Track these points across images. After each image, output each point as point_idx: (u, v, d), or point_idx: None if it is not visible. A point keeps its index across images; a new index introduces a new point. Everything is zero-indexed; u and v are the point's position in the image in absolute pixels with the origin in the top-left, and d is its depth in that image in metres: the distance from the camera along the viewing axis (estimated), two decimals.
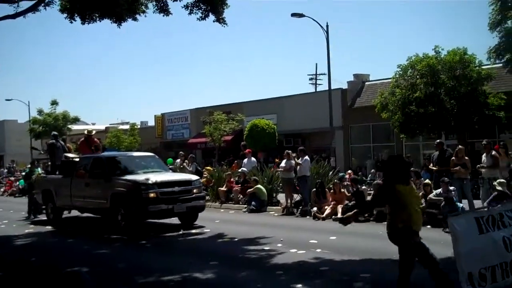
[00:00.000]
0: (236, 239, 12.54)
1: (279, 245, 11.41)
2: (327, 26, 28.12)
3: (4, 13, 21.11)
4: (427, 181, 15.03)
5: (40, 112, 48.39)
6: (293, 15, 27.39)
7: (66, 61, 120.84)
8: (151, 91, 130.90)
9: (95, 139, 19.08)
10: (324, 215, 15.36)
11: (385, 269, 8.72)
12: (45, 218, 17.66)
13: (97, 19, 15.49)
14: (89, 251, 11.91)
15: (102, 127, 51.56)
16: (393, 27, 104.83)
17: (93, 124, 61.45)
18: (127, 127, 47.45)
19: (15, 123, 62.02)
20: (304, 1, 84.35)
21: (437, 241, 11.07)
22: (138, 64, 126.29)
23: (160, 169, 15.87)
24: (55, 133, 20.73)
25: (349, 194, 15.93)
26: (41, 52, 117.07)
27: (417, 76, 23.12)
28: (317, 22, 27.98)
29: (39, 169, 23.16)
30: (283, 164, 17.71)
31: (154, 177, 14.20)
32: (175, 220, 15.08)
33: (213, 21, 15.69)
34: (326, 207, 15.73)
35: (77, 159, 17.15)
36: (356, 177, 18.70)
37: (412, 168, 20.69)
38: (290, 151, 18.19)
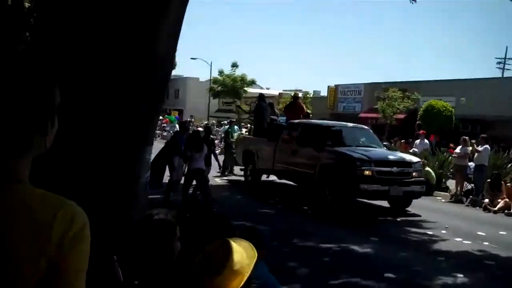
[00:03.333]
0: (398, 219, 12.33)
1: (444, 231, 11.02)
2: None
3: None
4: None
5: (220, 72, 50.72)
6: None
7: (249, 26, 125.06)
8: (327, 61, 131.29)
9: (301, 104, 18.15)
10: (496, 208, 14.45)
11: None
12: (242, 179, 17.24)
13: None
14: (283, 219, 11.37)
15: (276, 93, 52.81)
16: None
17: (268, 88, 63.04)
18: (300, 95, 48.17)
19: (196, 81, 65.17)
20: None
21: None
22: (316, 35, 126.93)
23: (374, 145, 14.61)
24: (262, 93, 19.42)
25: None
26: (227, 15, 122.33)
27: None
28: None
29: (236, 127, 22.78)
30: (458, 150, 16.95)
31: (371, 153, 13.12)
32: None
33: None
34: (499, 200, 14.80)
35: (284, 124, 16.24)
36: None
37: None
38: (467, 137, 17.31)
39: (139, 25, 4.27)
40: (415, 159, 14.05)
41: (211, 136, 16.82)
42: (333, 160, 13.05)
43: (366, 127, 16.72)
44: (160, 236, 2.75)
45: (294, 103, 17.94)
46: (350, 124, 17.04)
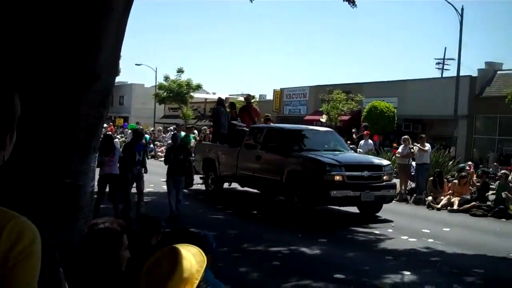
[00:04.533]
0: (346, 220, 12.49)
1: (390, 230, 11.25)
2: (462, 9, 26.91)
3: None
4: None
5: (166, 78, 50.33)
6: None
7: (194, 31, 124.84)
8: (272, 65, 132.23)
9: (254, 107, 17.44)
10: (440, 205, 14.86)
11: (500, 267, 8.37)
12: (202, 188, 16.51)
13: None
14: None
15: (222, 97, 52.61)
16: None
17: (214, 93, 62.99)
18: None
19: (142, 87, 64.51)
20: None
21: None
22: (262, 39, 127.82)
23: (342, 148, 14.10)
24: (221, 97, 18.50)
25: (477, 187, 15.26)
26: (170, 21, 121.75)
27: None
28: (452, 4, 26.79)
29: (192, 136, 20.89)
30: (400, 149, 17.32)
31: (340, 157, 12.56)
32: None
33: (343, 0, 15.38)
34: (442, 197, 15.22)
35: (246, 129, 15.39)
36: (486, 170, 18.00)
37: None
38: (408, 137, 17.72)
39: (79, 30, 4.20)
40: (385, 162, 13.54)
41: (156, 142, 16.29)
42: (301, 165, 12.51)
43: (332, 130, 16.28)
44: (105, 245, 2.70)
45: (248, 106, 17.42)
46: (316, 128, 16.68)
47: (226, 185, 16.19)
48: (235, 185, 15.94)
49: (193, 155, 16.89)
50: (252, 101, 17.45)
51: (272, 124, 15.71)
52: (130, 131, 33.66)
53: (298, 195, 12.22)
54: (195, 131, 22.38)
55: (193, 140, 19.78)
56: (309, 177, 12.02)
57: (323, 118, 32.20)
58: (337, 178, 11.85)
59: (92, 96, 4.39)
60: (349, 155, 13.56)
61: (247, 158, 14.11)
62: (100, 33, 4.40)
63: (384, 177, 12.58)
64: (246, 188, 15.34)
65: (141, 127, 38.63)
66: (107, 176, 10.89)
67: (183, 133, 20.38)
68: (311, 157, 12.48)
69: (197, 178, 16.79)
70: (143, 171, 11.89)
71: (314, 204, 12.33)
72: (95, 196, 10.81)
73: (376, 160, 13.62)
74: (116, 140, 36.41)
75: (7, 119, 1.39)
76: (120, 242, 2.77)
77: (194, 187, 16.57)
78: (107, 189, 11.07)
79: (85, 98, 4.32)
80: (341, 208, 13.32)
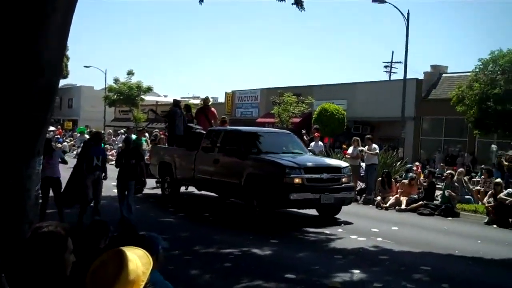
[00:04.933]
0: (299, 221, 12.57)
1: (340, 230, 11.41)
2: (408, 13, 27.50)
3: None
4: (498, 180, 14.56)
5: (116, 80, 49.63)
6: (374, 0, 26.85)
7: (144, 33, 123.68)
8: (223, 68, 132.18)
9: (212, 110, 16.99)
10: (388, 204, 15.18)
11: (446, 264, 8.59)
12: (156, 192, 16.26)
13: None
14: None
15: (177, 99, 52.23)
16: (477, 19, 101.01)
17: (165, 96, 62.55)
18: (197, 101, 48.11)
19: (91, 90, 63.27)
20: None
21: (503, 241, 10.84)
22: (213, 42, 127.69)
23: (299, 151, 13.87)
24: (177, 99, 17.88)
25: (424, 186, 15.65)
26: (119, 22, 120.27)
27: (498, 72, 22.26)
28: (398, 9, 27.37)
29: (144, 139, 20.03)
30: (350, 151, 17.60)
31: (299, 160, 12.46)
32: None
33: (292, 4, 15.46)
34: (390, 197, 15.54)
35: (203, 131, 15.09)
36: (433, 170, 18.49)
37: (483, 166, 20.28)
38: (358, 139, 18.04)
39: (23, 27, 4.10)
40: (344, 164, 13.50)
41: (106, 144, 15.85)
42: (261, 168, 12.35)
43: (289, 132, 16.20)
44: (49, 249, 2.64)
45: (205, 108, 16.92)
46: (274, 130, 16.36)
47: (182, 189, 15.93)
48: (192, 189, 15.76)
49: (145, 158, 16.60)
50: (210, 103, 17.03)
51: (229, 127, 15.49)
52: (79, 134, 32.62)
53: (257, 199, 12.07)
54: (146, 134, 21.93)
55: (145, 143, 19.30)
56: (269, 180, 11.88)
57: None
58: (297, 180, 11.74)
59: (36, 94, 4.29)
60: (308, 158, 13.41)
61: (205, 161, 13.88)
62: (42, 31, 4.32)
63: (343, 179, 12.52)
64: (203, 192, 15.15)
65: (93, 129, 37.25)
66: (48, 180, 10.54)
67: (134, 136, 19.84)
68: (271, 160, 12.32)
69: (151, 182, 16.45)
70: (102, 177, 11.39)
71: (273, 207, 12.20)
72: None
73: (335, 162, 13.54)
74: (65, 144, 35.77)
75: None
76: (65, 246, 2.72)
77: (150, 191, 16.15)
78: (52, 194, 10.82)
79: (28, 95, 4.21)
80: (299, 210, 13.28)
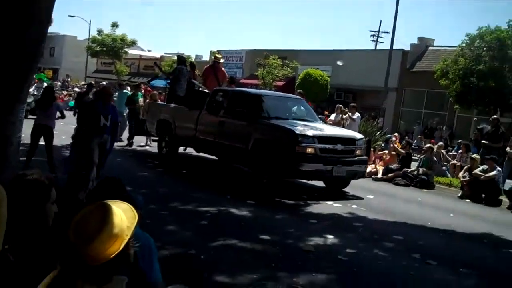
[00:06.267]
0: (279, 184, 12.59)
1: (316, 195, 11.53)
2: None
3: None
4: (474, 155, 14.77)
5: (100, 32, 48.90)
6: None
7: None
8: (209, 26, 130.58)
9: (223, 69, 15.97)
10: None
11: (418, 235, 8.76)
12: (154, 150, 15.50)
13: None
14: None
15: (158, 55, 51.84)
16: None
17: (149, 50, 61.72)
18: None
19: (74, 40, 62.28)
20: None
21: (475, 216, 11.08)
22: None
23: (311, 118, 13.11)
24: (182, 55, 16.74)
25: (401, 154, 15.88)
26: None
27: (484, 48, 22.43)
28: None
29: (140, 94, 18.93)
30: (332, 117, 17.66)
31: (312, 128, 11.62)
32: None
33: None
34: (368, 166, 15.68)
35: (206, 90, 14.41)
36: (410, 141, 18.69)
37: (460, 141, 20.54)
38: (341, 106, 18.10)
39: None
40: (358, 135, 12.57)
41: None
42: (270, 134, 11.56)
43: (301, 98, 15.26)
44: (32, 197, 2.64)
45: (215, 66, 15.83)
46: (285, 94, 15.71)
47: (181, 149, 15.31)
48: (190, 150, 15.26)
49: (141, 114, 16.67)
50: (221, 61, 15.83)
51: (237, 88, 14.73)
52: (37, 81, 27.02)
53: (265, 167, 11.33)
54: (142, 90, 20.72)
55: (141, 99, 18.40)
56: (279, 147, 11.06)
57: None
58: (309, 150, 10.95)
59: (28, 45, 4.23)
60: (321, 126, 12.53)
61: (209, 122, 13.11)
62: None
63: (357, 152, 11.79)
64: (201, 154, 14.49)
65: (69, 79, 35.25)
66: (41, 127, 10.46)
67: (128, 91, 19.23)
68: (282, 126, 11.49)
69: (140, 140, 16.59)
70: (109, 140, 9.62)
71: (282, 176, 11.55)
72: (28, 148, 10.57)
73: (350, 133, 12.72)
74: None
75: None
76: (48, 195, 2.72)
77: (142, 148, 16.17)
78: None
79: (20, 45, 4.15)
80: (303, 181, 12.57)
